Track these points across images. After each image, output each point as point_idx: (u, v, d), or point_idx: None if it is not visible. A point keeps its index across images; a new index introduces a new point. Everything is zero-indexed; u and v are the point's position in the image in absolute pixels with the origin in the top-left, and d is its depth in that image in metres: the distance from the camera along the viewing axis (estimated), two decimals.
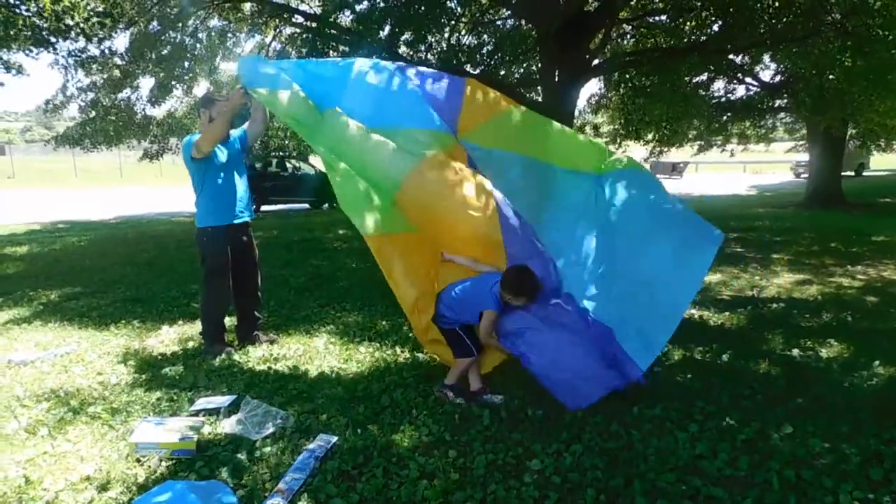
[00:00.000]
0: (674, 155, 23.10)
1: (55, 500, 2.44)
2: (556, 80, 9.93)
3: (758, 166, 38.35)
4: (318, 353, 4.15)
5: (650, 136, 14.91)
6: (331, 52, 9.73)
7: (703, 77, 13.69)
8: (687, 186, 24.59)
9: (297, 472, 2.57)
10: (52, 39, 10.14)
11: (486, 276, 3.41)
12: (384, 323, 4.80)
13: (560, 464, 2.63)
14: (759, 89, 15.05)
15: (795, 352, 4.04)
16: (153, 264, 7.85)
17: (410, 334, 4.45)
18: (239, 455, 2.75)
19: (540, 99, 11.04)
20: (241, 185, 4.18)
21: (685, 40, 11.26)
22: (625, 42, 13.37)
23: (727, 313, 5.02)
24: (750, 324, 4.76)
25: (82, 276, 7.12)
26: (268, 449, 2.80)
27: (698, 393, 3.33)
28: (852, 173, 27.09)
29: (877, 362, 3.77)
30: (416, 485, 2.49)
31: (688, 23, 10.93)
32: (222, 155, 4.04)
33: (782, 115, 18.66)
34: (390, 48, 8.44)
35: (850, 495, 2.36)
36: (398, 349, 4.17)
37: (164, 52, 12.12)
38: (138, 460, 2.72)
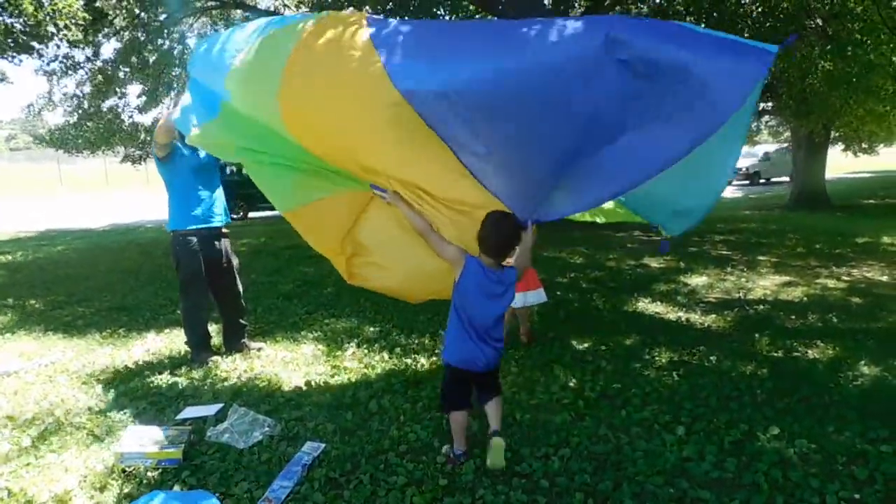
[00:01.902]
0: None
1: None
2: None
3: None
4: (305, 359, 4.13)
5: None
6: None
7: None
8: None
9: (284, 480, 2.55)
10: (37, 45, 10.07)
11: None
12: (372, 329, 4.79)
13: (548, 468, 2.63)
14: None
15: (781, 353, 4.08)
16: (139, 272, 7.78)
17: (398, 339, 4.45)
18: (226, 464, 2.73)
19: None
20: (214, 188, 4.10)
21: None
22: None
23: (714, 315, 5.06)
24: (736, 325, 4.79)
25: (67, 284, 7.04)
26: (255, 457, 2.78)
27: (686, 395, 3.35)
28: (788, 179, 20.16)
29: (862, 362, 3.81)
30: (404, 491, 2.48)
31: None
32: (192, 157, 3.98)
33: (767, 117, 18.87)
34: None
35: (836, 496, 2.38)
36: (386, 355, 4.16)
37: (152, 59, 12.06)
38: (124, 470, 2.69)
